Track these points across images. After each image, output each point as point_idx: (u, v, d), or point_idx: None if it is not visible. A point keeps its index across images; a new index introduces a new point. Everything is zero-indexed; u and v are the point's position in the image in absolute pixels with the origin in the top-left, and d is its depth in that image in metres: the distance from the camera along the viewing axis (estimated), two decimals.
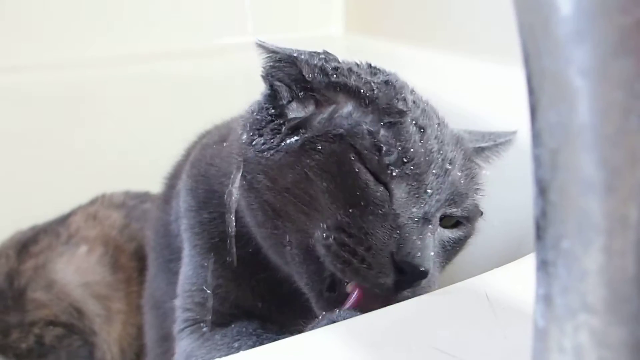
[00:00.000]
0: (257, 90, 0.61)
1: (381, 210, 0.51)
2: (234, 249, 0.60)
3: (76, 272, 1.01)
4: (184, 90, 1.38)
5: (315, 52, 0.57)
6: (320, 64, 0.56)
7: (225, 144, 0.66)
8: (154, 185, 0.91)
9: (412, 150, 0.52)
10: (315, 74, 0.56)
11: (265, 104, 0.58)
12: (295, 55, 0.56)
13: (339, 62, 0.58)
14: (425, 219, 0.52)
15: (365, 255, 0.49)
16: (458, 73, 1.11)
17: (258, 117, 0.58)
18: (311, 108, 0.57)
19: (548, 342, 0.26)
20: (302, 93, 0.57)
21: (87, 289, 1.00)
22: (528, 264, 0.49)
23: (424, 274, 0.49)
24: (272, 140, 0.55)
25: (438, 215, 0.54)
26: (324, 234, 0.51)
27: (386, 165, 0.52)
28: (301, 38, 0.59)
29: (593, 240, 0.23)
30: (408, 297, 0.51)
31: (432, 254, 0.51)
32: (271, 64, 0.58)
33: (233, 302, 0.64)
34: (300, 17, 1.57)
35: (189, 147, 0.83)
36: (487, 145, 0.63)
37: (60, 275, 1.00)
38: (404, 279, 0.50)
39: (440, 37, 1.25)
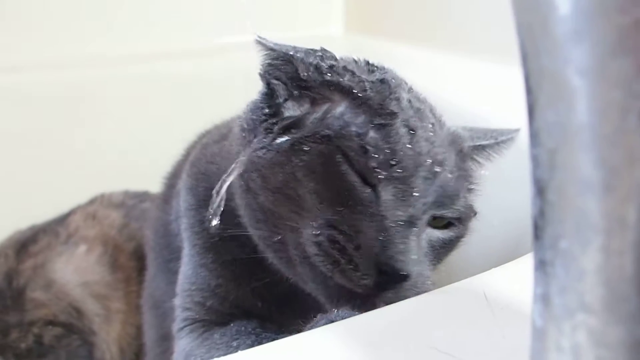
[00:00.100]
0: (256, 89, 0.61)
1: (367, 212, 0.51)
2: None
3: (75, 271, 1.01)
4: (183, 90, 1.38)
5: (312, 50, 0.57)
6: (315, 62, 0.55)
7: (225, 143, 0.66)
8: (154, 184, 0.91)
9: (400, 152, 0.52)
10: (311, 73, 0.55)
11: (261, 102, 0.59)
12: (291, 53, 0.56)
13: (336, 60, 0.58)
14: (410, 222, 0.52)
15: (354, 255, 0.50)
16: (457, 73, 1.11)
17: (253, 116, 0.59)
18: (306, 107, 0.57)
19: (546, 341, 0.26)
20: (297, 91, 0.57)
21: (86, 289, 1.00)
22: (526, 263, 0.49)
23: (405, 278, 0.50)
24: (264, 140, 0.55)
25: (425, 217, 0.54)
26: (314, 231, 0.51)
27: (373, 167, 0.52)
28: (301, 38, 0.59)
29: (591, 240, 0.23)
30: (391, 300, 0.51)
31: (415, 257, 0.51)
32: (268, 61, 0.58)
33: (232, 301, 0.64)
34: (300, 16, 1.57)
35: (188, 146, 0.83)
36: (488, 143, 0.63)
37: (59, 274, 1.00)
38: (384, 281, 0.50)
39: (439, 37, 1.25)
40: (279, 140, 0.54)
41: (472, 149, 0.62)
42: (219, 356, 0.56)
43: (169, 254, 0.76)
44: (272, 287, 0.61)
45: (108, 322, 1.00)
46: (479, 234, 0.61)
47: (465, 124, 0.66)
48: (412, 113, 0.55)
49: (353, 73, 0.55)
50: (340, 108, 0.54)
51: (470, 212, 0.59)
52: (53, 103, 1.29)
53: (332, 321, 0.47)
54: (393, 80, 0.57)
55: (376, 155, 0.51)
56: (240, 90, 0.62)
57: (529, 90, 0.25)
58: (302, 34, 0.60)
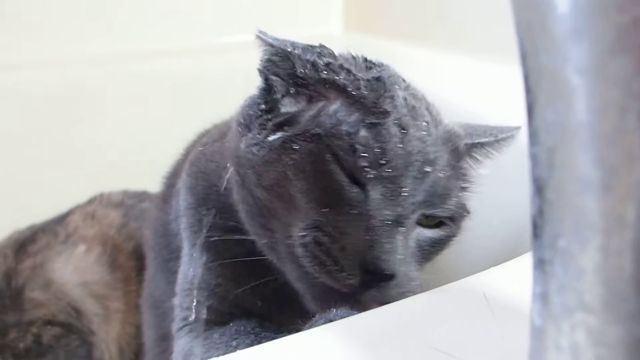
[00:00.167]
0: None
1: (354, 212, 0.51)
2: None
3: (74, 271, 1.01)
4: (183, 89, 1.38)
5: (310, 46, 0.57)
6: (312, 59, 0.55)
7: (224, 141, 0.66)
8: (153, 184, 0.91)
9: (390, 152, 0.52)
10: (307, 70, 0.55)
11: (258, 98, 0.59)
12: (289, 50, 0.56)
13: (334, 56, 0.57)
14: (398, 222, 0.52)
15: (339, 256, 0.50)
16: (457, 72, 1.11)
17: (250, 111, 0.59)
18: (303, 104, 0.57)
19: (545, 340, 0.26)
20: (294, 88, 0.57)
21: (85, 289, 1.00)
22: (525, 262, 0.49)
23: (389, 277, 0.50)
24: (258, 136, 0.55)
25: (414, 217, 0.54)
26: (301, 233, 0.52)
27: (362, 166, 0.52)
28: (300, 37, 0.59)
29: (590, 239, 0.23)
30: (376, 299, 0.51)
31: (400, 257, 0.51)
32: (267, 57, 0.58)
33: (232, 300, 0.64)
34: (299, 16, 1.57)
35: (188, 146, 0.83)
36: (488, 141, 0.63)
37: (58, 274, 1.00)
38: (369, 280, 0.50)
39: (439, 36, 1.25)
40: (272, 137, 0.54)
41: (470, 146, 0.62)
42: (218, 356, 0.56)
43: (168, 254, 0.76)
44: (272, 287, 0.61)
45: (107, 321, 1.00)
46: (478, 233, 0.61)
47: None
48: (406, 111, 0.55)
49: (348, 71, 0.55)
50: (335, 106, 0.54)
51: (463, 211, 0.59)
52: (52, 102, 1.29)
53: (331, 321, 0.48)
54: (389, 78, 0.57)
55: (366, 155, 0.51)
56: (240, 89, 0.62)
57: (528, 89, 0.25)
58: (301, 34, 0.60)
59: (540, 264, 0.26)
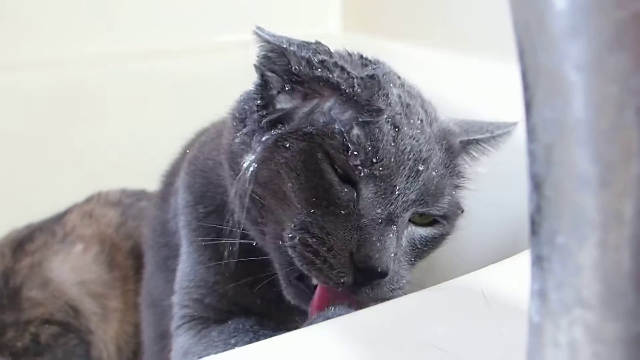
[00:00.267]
0: None
1: (344, 211, 0.52)
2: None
3: (72, 270, 1.00)
4: (182, 88, 1.37)
5: (306, 43, 0.57)
6: (307, 56, 0.55)
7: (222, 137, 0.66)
8: (151, 183, 0.91)
9: (382, 150, 0.52)
10: (302, 67, 0.55)
11: (254, 93, 0.59)
12: (285, 46, 0.56)
13: (329, 54, 0.57)
14: (389, 220, 0.52)
15: (327, 256, 0.50)
16: (455, 70, 1.11)
17: (245, 106, 0.59)
18: (298, 101, 0.57)
19: (543, 337, 0.26)
20: (288, 85, 0.57)
21: (83, 288, 1.00)
22: (523, 260, 0.49)
23: (382, 274, 0.50)
24: (253, 134, 0.55)
25: (406, 215, 0.54)
26: (290, 234, 0.52)
27: (354, 165, 0.52)
28: (299, 36, 0.59)
29: (588, 236, 0.23)
30: (368, 296, 0.52)
31: (392, 255, 0.51)
32: (264, 53, 0.58)
33: (230, 298, 0.64)
34: (298, 15, 1.57)
35: (186, 144, 0.83)
36: (484, 137, 0.63)
37: (56, 273, 1.00)
38: (362, 278, 0.51)
39: (437, 35, 1.25)
40: (266, 135, 0.54)
41: (465, 143, 0.61)
42: (216, 353, 0.56)
43: (166, 252, 0.76)
44: (271, 284, 0.61)
45: (105, 320, 1.00)
46: (477, 231, 0.61)
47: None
48: (399, 109, 0.55)
49: (343, 69, 0.55)
50: (329, 103, 0.54)
51: (456, 210, 0.59)
52: (51, 101, 1.28)
53: (329, 318, 0.48)
54: (384, 76, 0.57)
55: (358, 153, 0.51)
56: (239, 88, 0.62)
57: (526, 87, 0.25)
58: (300, 32, 0.59)
59: (538, 261, 0.26)
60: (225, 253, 0.63)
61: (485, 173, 0.62)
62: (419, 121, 0.56)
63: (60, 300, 0.97)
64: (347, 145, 0.52)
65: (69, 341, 0.96)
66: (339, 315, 0.48)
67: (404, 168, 0.53)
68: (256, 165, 0.55)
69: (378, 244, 0.50)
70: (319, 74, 0.55)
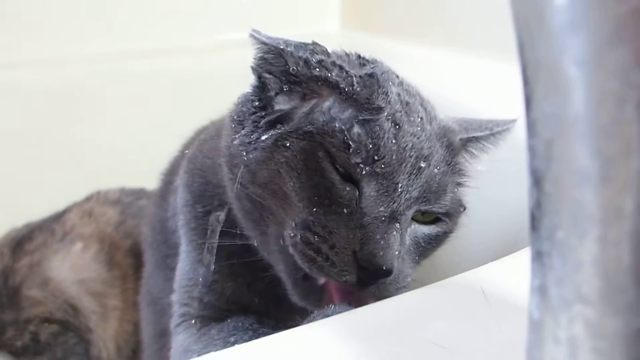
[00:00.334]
0: None
1: (346, 209, 0.51)
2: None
3: (71, 269, 1.00)
4: (182, 87, 1.37)
5: (303, 44, 0.57)
6: (305, 56, 0.55)
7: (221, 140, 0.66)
8: (150, 181, 0.91)
9: (383, 148, 0.52)
10: (300, 67, 0.55)
11: (252, 95, 0.58)
12: (282, 47, 0.56)
13: (326, 54, 0.57)
14: (392, 218, 0.52)
15: (329, 254, 0.50)
16: (454, 69, 1.11)
17: (243, 108, 0.59)
18: (297, 101, 0.57)
19: (543, 333, 0.26)
20: (286, 86, 0.57)
21: (83, 286, 1.00)
22: (523, 257, 0.49)
23: (386, 273, 0.50)
24: (251, 134, 0.55)
25: (409, 213, 0.54)
26: (292, 233, 0.52)
27: (356, 163, 0.51)
28: (298, 35, 0.59)
29: (588, 231, 0.23)
30: (374, 295, 0.52)
31: (396, 252, 0.51)
32: (260, 55, 0.57)
33: (230, 297, 0.64)
34: (296, 14, 1.57)
35: (186, 143, 0.83)
36: (483, 135, 0.63)
37: (56, 272, 1.00)
38: (366, 277, 0.50)
39: (436, 34, 1.25)
40: (265, 135, 0.54)
41: (465, 141, 0.61)
42: (216, 351, 0.56)
43: (166, 251, 0.76)
44: (270, 283, 0.61)
45: (105, 319, 1.00)
46: (477, 229, 0.61)
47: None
48: (399, 107, 0.55)
49: (341, 67, 0.55)
50: (328, 103, 0.54)
51: (459, 207, 0.58)
52: (51, 100, 1.28)
53: (329, 317, 0.48)
54: (382, 75, 0.56)
55: (359, 151, 0.51)
56: (239, 87, 0.62)
57: (526, 82, 0.25)
58: (298, 32, 0.60)
59: (538, 257, 0.26)
60: (224, 252, 0.63)
61: (485, 171, 0.62)
62: (419, 119, 0.56)
63: (60, 299, 0.97)
64: (348, 143, 0.51)
65: (69, 340, 0.96)
66: (339, 313, 0.48)
67: (406, 165, 0.53)
68: (255, 166, 0.55)
69: (382, 242, 0.50)
70: (317, 74, 0.55)
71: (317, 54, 0.56)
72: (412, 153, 0.53)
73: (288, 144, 0.53)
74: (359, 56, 0.60)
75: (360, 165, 0.51)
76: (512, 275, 0.50)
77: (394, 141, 0.52)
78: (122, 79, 1.35)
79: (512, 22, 0.25)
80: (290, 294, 0.56)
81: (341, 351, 0.40)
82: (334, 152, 0.52)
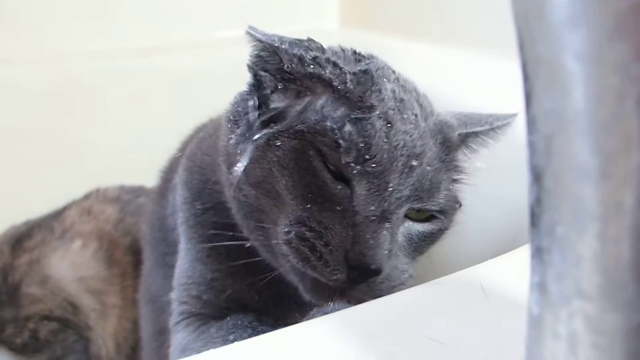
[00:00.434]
0: None
1: (339, 207, 0.51)
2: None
3: (71, 266, 1.00)
4: (181, 84, 1.37)
5: (298, 41, 0.57)
6: (299, 53, 0.55)
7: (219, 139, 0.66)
8: (149, 179, 0.90)
9: (374, 147, 0.51)
10: (294, 65, 0.55)
11: (247, 94, 0.58)
12: (276, 45, 0.55)
13: (321, 50, 0.57)
14: (383, 217, 0.52)
15: (323, 252, 0.50)
16: (454, 66, 1.11)
17: (239, 108, 0.59)
18: (291, 99, 0.57)
19: (542, 329, 0.26)
20: (281, 84, 0.57)
21: (82, 284, 1.00)
22: (522, 254, 0.49)
23: (375, 272, 0.50)
24: (246, 133, 0.55)
25: (400, 211, 0.53)
26: (286, 229, 0.52)
27: (347, 162, 0.51)
28: (296, 32, 0.59)
29: (588, 227, 0.23)
30: (365, 293, 0.52)
31: (385, 252, 0.51)
32: (256, 52, 0.57)
33: (229, 295, 0.64)
34: (295, 11, 1.56)
35: (185, 140, 0.83)
36: (483, 130, 0.62)
37: (55, 270, 1.00)
38: (356, 275, 0.50)
39: (435, 31, 1.24)
40: (258, 135, 0.54)
41: (464, 136, 0.61)
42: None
43: (165, 248, 0.76)
44: (268, 281, 0.61)
45: (104, 317, 1.00)
46: (477, 227, 0.61)
47: None
48: (393, 104, 0.55)
49: (335, 65, 0.55)
50: (322, 100, 0.54)
51: (454, 204, 0.58)
52: (50, 97, 1.28)
53: (328, 313, 0.48)
54: (377, 71, 0.56)
55: (350, 150, 0.51)
56: (237, 84, 0.62)
57: (526, 78, 0.25)
58: (297, 29, 0.59)
59: (538, 253, 0.26)
60: (223, 250, 0.63)
61: (485, 168, 0.62)
62: (413, 116, 0.56)
63: (59, 297, 0.97)
64: (339, 142, 0.51)
65: (68, 337, 0.96)
66: (338, 310, 0.48)
67: (397, 164, 0.52)
68: (249, 165, 0.55)
69: (371, 242, 0.50)
70: (311, 71, 0.54)
71: (311, 50, 0.56)
72: (403, 152, 0.53)
73: (279, 144, 0.53)
74: (355, 52, 0.60)
75: (351, 164, 0.51)
76: (511, 272, 0.50)
77: (385, 140, 0.52)
78: (121, 77, 1.34)
79: (511, 17, 0.25)
80: (302, 291, 0.56)
81: (340, 348, 0.40)
82: (325, 151, 0.52)
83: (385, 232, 0.51)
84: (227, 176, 0.58)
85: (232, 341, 0.59)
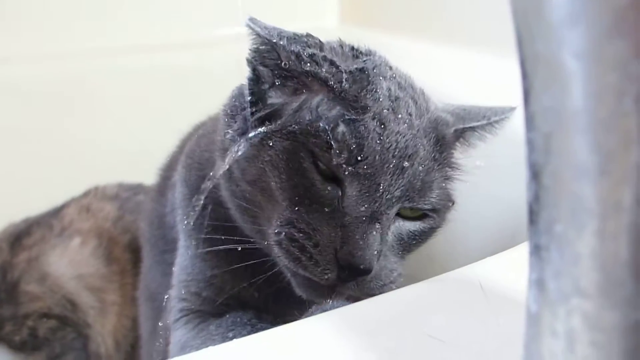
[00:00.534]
0: None
1: (328, 209, 0.52)
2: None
3: (70, 264, 1.00)
4: (180, 82, 1.37)
5: (297, 36, 0.56)
6: (297, 50, 0.55)
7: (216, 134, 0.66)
8: (148, 177, 0.90)
9: (367, 148, 0.52)
10: (291, 62, 0.55)
11: (245, 89, 0.58)
12: (275, 40, 0.55)
13: (320, 47, 0.57)
14: (373, 218, 0.52)
15: (313, 252, 0.51)
16: (453, 64, 1.11)
17: (236, 103, 0.59)
18: (288, 95, 0.56)
19: (541, 326, 0.26)
20: (279, 80, 0.56)
21: (81, 281, 1.00)
22: (520, 252, 0.49)
23: (364, 272, 0.51)
24: (242, 129, 0.55)
25: (391, 212, 0.54)
26: (277, 230, 0.52)
27: (339, 163, 0.51)
28: (295, 29, 0.58)
29: (586, 224, 0.23)
30: (354, 292, 0.52)
31: (375, 252, 0.51)
32: (255, 46, 0.57)
33: (228, 292, 0.64)
34: (295, 8, 1.56)
35: (184, 138, 0.83)
36: (480, 124, 0.62)
37: (54, 267, 1.00)
38: (345, 275, 0.51)
39: (435, 29, 1.24)
40: (251, 133, 0.54)
41: (461, 131, 0.61)
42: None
43: (164, 246, 0.76)
44: (268, 278, 0.61)
45: (103, 314, 1.00)
46: (476, 225, 0.61)
47: None
48: (388, 104, 0.54)
49: (332, 63, 0.54)
50: (318, 98, 0.54)
51: (447, 202, 0.58)
52: (48, 95, 1.28)
53: (327, 311, 0.48)
54: (374, 69, 0.56)
55: (341, 151, 0.51)
56: (237, 82, 0.62)
57: (525, 75, 0.25)
58: (296, 26, 0.59)
59: (536, 250, 0.26)
60: (223, 247, 0.62)
61: (483, 166, 0.62)
62: (408, 115, 0.55)
63: (58, 294, 0.97)
64: (331, 143, 0.51)
65: (67, 335, 0.96)
66: (337, 307, 0.48)
67: (389, 165, 0.52)
68: (244, 163, 0.55)
69: (361, 242, 0.50)
70: (308, 69, 0.54)
71: (309, 47, 0.56)
72: (395, 153, 0.53)
73: (271, 143, 0.53)
74: (353, 48, 0.60)
75: (343, 165, 0.51)
76: (510, 269, 0.50)
77: (378, 141, 0.52)
78: (120, 75, 1.34)
79: (510, 15, 0.25)
80: (297, 289, 0.56)
81: (339, 345, 0.40)
82: (317, 152, 0.52)
83: (375, 232, 0.52)
84: (225, 172, 0.58)
85: (231, 338, 0.58)
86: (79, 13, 1.34)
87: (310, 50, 0.55)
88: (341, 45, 0.59)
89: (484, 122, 0.62)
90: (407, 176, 0.53)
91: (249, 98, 0.57)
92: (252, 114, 0.56)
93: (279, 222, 0.53)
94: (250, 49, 0.57)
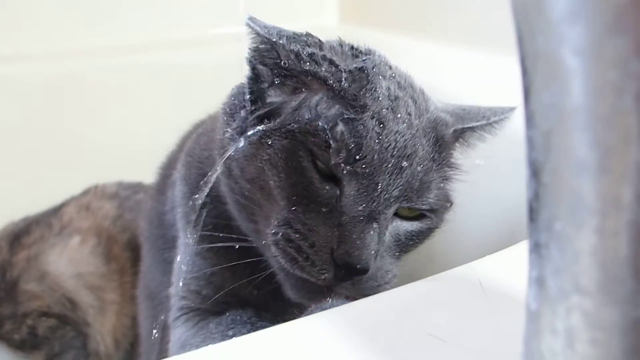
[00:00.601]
0: None
1: (325, 208, 0.52)
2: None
3: (69, 263, 1.00)
4: (179, 80, 1.37)
5: (296, 35, 0.56)
6: (296, 49, 0.54)
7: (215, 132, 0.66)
8: (148, 175, 0.90)
9: (365, 148, 0.51)
10: (291, 61, 0.55)
11: (245, 87, 0.58)
12: (274, 39, 0.55)
13: (319, 46, 0.57)
14: (370, 217, 0.52)
15: (309, 253, 0.51)
16: (453, 63, 1.11)
17: (235, 101, 0.58)
18: (287, 94, 0.56)
19: (540, 324, 0.26)
20: (278, 79, 0.56)
21: (80, 280, 1.00)
22: (520, 250, 0.49)
23: (361, 271, 0.51)
24: (241, 128, 0.55)
25: (388, 211, 0.54)
26: (274, 230, 0.52)
27: (337, 162, 0.51)
28: (295, 29, 0.58)
29: (586, 222, 0.23)
30: (350, 292, 0.53)
31: (372, 252, 0.51)
32: (255, 45, 0.57)
33: (228, 290, 0.64)
34: (294, 7, 1.56)
35: (183, 136, 0.83)
36: (480, 124, 0.62)
37: (53, 266, 1.00)
38: (342, 275, 0.51)
39: (435, 28, 1.24)
40: (250, 132, 0.54)
41: (460, 132, 0.61)
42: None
43: (163, 245, 0.75)
44: (268, 276, 0.61)
45: (102, 313, 1.00)
46: (475, 223, 0.61)
47: None
48: (387, 103, 0.54)
49: (331, 62, 0.54)
50: (317, 97, 0.54)
51: (445, 203, 0.58)
52: (46, 93, 1.28)
53: (326, 309, 0.48)
54: (374, 68, 0.56)
55: (341, 150, 0.51)
56: (235, 80, 0.62)
57: (525, 72, 0.25)
58: (296, 25, 0.59)
59: (536, 248, 0.26)
60: (222, 245, 0.62)
61: (483, 164, 0.62)
62: (407, 115, 0.55)
63: (57, 293, 0.97)
64: (330, 142, 0.51)
65: (66, 334, 0.96)
66: (336, 306, 0.48)
67: (387, 165, 0.52)
68: (243, 161, 0.55)
69: (358, 242, 0.50)
70: (308, 68, 0.54)
71: (309, 46, 0.56)
72: (394, 152, 0.53)
73: (270, 142, 0.53)
74: (352, 47, 0.60)
75: (341, 164, 0.51)
76: (509, 267, 0.50)
77: (377, 141, 0.52)
78: (120, 73, 1.34)
79: (511, 12, 0.25)
80: (290, 291, 0.56)
81: (339, 344, 0.40)
82: (315, 151, 0.52)
83: (372, 232, 0.52)
84: (224, 169, 0.58)
85: (231, 337, 0.58)
86: (76, 12, 1.34)
87: (309, 50, 0.55)
88: (341, 45, 0.59)
89: (484, 122, 0.62)
90: (405, 176, 0.53)
91: (248, 97, 0.57)
92: (252, 112, 0.56)
93: (276, 222, 0.53)
94: (249, 48, 0.57)
